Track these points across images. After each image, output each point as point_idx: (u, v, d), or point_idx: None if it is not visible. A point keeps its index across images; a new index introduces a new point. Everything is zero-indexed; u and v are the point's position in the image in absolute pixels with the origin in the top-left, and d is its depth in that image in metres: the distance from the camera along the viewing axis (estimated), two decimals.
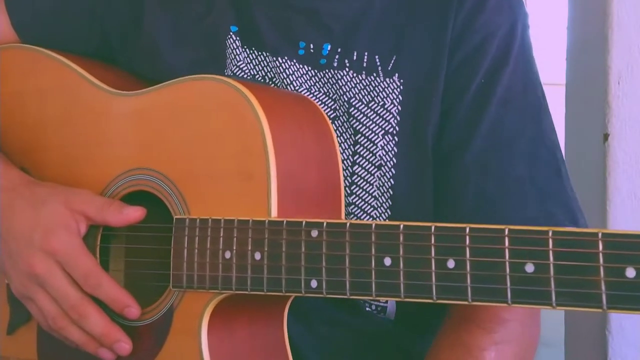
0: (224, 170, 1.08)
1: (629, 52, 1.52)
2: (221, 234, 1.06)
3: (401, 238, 0.93)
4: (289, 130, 1.09)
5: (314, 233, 0.99)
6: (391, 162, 1.18)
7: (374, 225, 0.95)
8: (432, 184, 1.19)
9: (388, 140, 1.18)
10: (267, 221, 1.03)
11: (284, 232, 1.01)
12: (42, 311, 1.14)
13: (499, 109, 1.16)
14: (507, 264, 0.86)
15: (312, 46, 1.22)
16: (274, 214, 1.03)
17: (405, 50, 1.20)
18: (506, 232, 0.87)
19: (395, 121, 1.18)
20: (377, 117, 1.19)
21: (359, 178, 1.19)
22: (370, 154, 1.19)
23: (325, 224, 0.99)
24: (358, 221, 0.97)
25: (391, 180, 1.18)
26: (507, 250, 0.87)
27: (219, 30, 1.26)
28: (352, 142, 1.19)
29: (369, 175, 1.19)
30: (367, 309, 1.24)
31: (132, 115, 1.18)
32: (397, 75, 1.19)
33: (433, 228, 0.91)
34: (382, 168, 1.18)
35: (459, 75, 1.18)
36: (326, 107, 1.21)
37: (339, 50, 1.21)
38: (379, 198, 1.19)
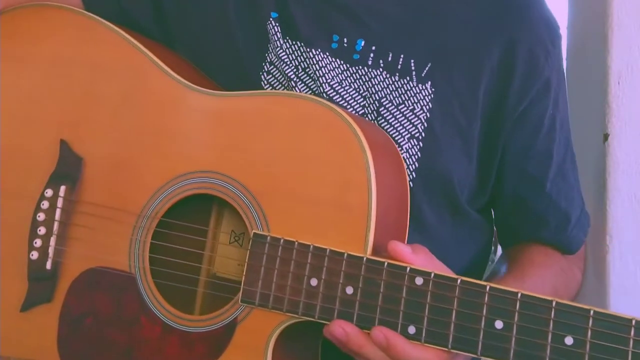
0: (318, 196, 1.04)
1: (629, 52, 1.53)
2: (309, 260, 1.03)
3: (518, 306, 0.95)
4: (386, 167, 1.07)
5: (419, 281, 0.99)
6: (413, 165, 1.20)
7: (488, 287, 0.97)
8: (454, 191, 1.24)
9: (413, 144, 1.20)
10: (365, 258, 1.01)
11: (384, 272, 1.00)
12: None
13: (559, 133, 1.28)
14: (630, 353, 0.91)
15: (345, 40, 1.21)
16: (370, 251, 1.02)
17: (440, 59, 1.21)
18: (633, 322, 0.91)
19: (422, 127, 1.20)
20: (406, 120, 1.20)
21: None
22: None
23: (433, 275, 0.99)
24: (469, 279, 0.97)
25: (410, 182, 1.20)
26: (631, 340, 0.91)
27: (261, 15, 1.23)
28: None
29: None
30: None
31: (210, 115, 1.10)
32: (430, 83, 1.20)
33: (554, 303, 0.94)
34: None
35: (533, 112, 1.24)
36: (356, 102, 1.20)
37: (374, 48, 1.21)
38: None
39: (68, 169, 1.14)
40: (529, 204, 1.29)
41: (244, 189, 1.07)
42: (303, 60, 1.21)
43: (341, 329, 1.00)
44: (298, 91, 1.19)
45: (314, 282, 1.03)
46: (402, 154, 1.18)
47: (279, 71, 1.21)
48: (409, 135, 1.19)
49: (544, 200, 1.29)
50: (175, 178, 1.10)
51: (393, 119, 1.19)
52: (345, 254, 1.01)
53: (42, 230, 1.15)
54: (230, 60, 1.22)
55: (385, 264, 1.00)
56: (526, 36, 1.22)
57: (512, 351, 0.95)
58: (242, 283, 1.06)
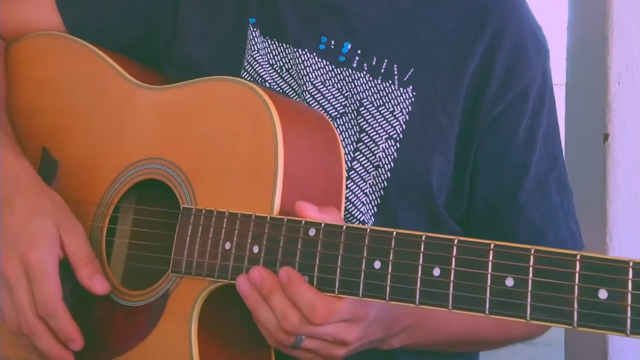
0: (235, 167, 1.13)
1: (629, 52, 1.54)
2: (224, 225, 1.11)
3: (393, 244, 0.98)
4: (301, 138, 1.15)
5: (312, 232, 1.05)
6: (389, 165, 1.25)
7: (368, 229, 1.01)
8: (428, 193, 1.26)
9: (390, 144, 1.25)
10: (268, 217, 1.08)
11: (283, 228, 1.06)
12: (3, 310, 1.18)
13: (541, 148, 1.28)
14: (489, 276, 0.91)
15: (333, 42, 1.29)
16: (276, 212, 1.09)
17: (424, 64, 1.26)
18: (492, 246, 0.92)
19: (401, 129, 1.25)
20: (384, 121, 1.26)
21: (355, 173, 1.25)
22: (371, 154, 1.25)
23: (323, 225, 1.04)
24: (355, 225, 1.02)
25: (385, 182, 1.25)
26: (490, 264, 0.92)
27: (239, 22, 1.33)
28: (356, 139, 1.26)
29: (366, 172, 1.25)
30: None
31: (153, 108, 1.24)
32: (411, 87, 1.26)
33: (424, 237, 0.97)
34: (379, 169, 1.25)
35: (507, 119, 1.27)
36: (337, 102, 1.27)
37: (359, 51, 1.28)
38: (370, 195, 1.25)
39: (46, 172, 1.30)
40: (500, 214, 1.29)
41: (179, 170, 1.18)
42: (288, 61, 1.30)
43: (258, 273, 1.05)
44: (280, 92, 1.29)
45: (227, 245, 1.10)
46: (378, 153, 1.25)
47: (258, 74, 1.29)
48: (386, 135, 1.25)
49: (515, 211, 1.28)
50: (126, 168, 1.24)
51: (372, 119, 1.26)
52: (253, 216, 1.09)
53: None
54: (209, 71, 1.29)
55: (285, 219, 1.07)
56: (508, 40, 1.26)
57: (388, 288, 0.98)
58: (172, 254, 1.15)
